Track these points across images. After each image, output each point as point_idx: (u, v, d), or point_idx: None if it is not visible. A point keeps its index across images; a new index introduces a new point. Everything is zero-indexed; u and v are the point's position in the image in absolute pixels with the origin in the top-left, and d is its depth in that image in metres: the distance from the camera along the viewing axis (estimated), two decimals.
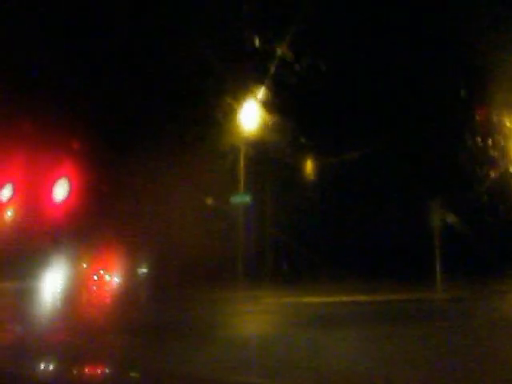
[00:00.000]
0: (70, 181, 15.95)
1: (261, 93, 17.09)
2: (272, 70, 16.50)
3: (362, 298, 14.43)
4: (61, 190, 16.01)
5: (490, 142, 16.81)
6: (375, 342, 7.75)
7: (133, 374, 3.16)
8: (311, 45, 16.53)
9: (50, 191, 15.97)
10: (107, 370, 3.39)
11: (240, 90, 17.41)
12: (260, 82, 17.05)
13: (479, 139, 16.79)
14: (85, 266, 18.03)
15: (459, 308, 12.46)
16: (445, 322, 9.96)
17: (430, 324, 9.67)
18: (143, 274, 18.83)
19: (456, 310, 11.97)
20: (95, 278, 17.64)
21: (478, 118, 17.04)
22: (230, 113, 17.50)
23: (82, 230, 16.58)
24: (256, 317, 12.75)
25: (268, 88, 16.93)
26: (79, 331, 8.81)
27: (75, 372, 3.08)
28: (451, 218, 16.48)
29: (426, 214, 16.41)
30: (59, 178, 16.02)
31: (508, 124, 16.74)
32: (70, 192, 15.88)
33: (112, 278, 17.68)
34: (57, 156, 15.86)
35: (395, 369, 5.91)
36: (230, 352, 7.18)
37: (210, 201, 17.90)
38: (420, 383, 5.31)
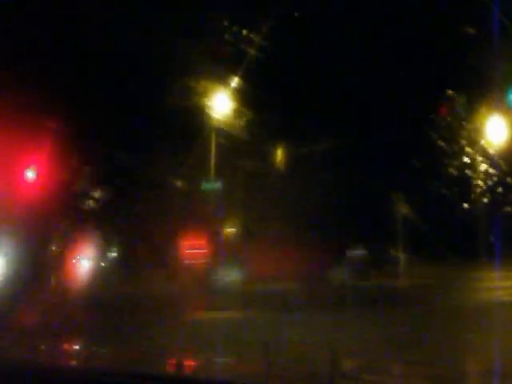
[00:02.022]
0: (41, 165, 15.95)
1: (233, 80, 17.35)
2: (245, 57, 16.73)
3: (327, 283, 14.92)
4: (32, 174, 16.00)
5: (450, 138, 17.49)
6: (332, 325, 8.18)
7: (103, 350, 3.31)
8: (285, 34, 16.76)
9: (21, 174, 15.95)
10: (77, 346, 3.50)
11: (212, 77, 17.58)
12: (232, 69, 17.26)
13: (441, 135, 17.45)
14: (54, 248, 18.04)
15: (418, 294, 13.10)
16: (402, 307, 10.60)
17: (387, 308, 10.28)
18: (113, 258, 19.01)
19: (415, 296, 12.59)
20: (73, 261, 17.70)
21: (439, 114, 17.66)
22: (201, 99, 17.68)
23: (53, 213, 16.63)
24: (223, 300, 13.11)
25: (240, 75, 17.16)
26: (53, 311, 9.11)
27: (44, 348, 3.15)
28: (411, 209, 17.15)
29: (391, 204, 17.07)
30: (31, 162, 16.00)
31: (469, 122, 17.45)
32: (42, 176, 15.89)
33: (85, 261, 17.78)
34: (29, 140, 15.80)
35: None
36: (193, 332, 7.51)
37: (180, 186, 18.09)
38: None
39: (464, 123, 17.55)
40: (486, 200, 17.60)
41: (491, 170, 17.56)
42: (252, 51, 16.66)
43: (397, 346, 6.55)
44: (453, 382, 2.43)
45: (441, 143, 17.39)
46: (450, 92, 17.37)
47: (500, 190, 17.48)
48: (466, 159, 17.66)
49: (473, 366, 2.72)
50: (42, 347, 3.34)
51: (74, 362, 3.05)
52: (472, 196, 17.72)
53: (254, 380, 2.33)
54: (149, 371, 2.53)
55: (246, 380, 2.39)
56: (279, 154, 19.01)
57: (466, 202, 17.66)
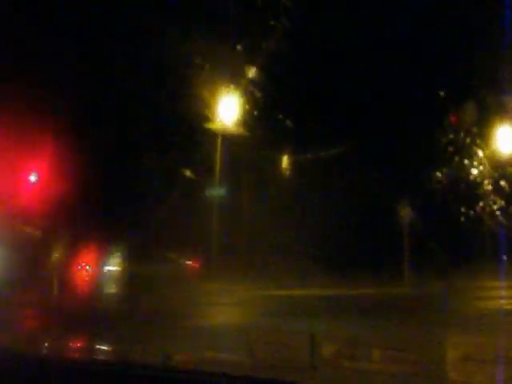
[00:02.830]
0: (42, 172, 16.05)
1: (239, 86, 17.50)
2: (252, 64, 16.88)
3: (333, 292, 14.91)
4: (35, 179, 16.11)
5: (459, 144, 17.50)
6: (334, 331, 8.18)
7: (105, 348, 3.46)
8: (290, 42, 16.86)
9: (24, 179, 16.05)
10: (80, 345, 3.65)
11: (218, 83, 17.73)
12: (239, 75, 17.40)
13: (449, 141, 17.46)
14: (57, 255, 18.10)
15: (421, 302, 13.07)
16: (406, 314, 10.60)
17: (389, 316, 10.30)
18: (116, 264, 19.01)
19: (418, 305, 12.56)
20: (79, 267, 17.76)
21: (449, 121, 17.65)
22: (207, 105, 17.81)
23: (56, 219, 16.70)
24: (227, 308, 13.15)
25: (247, 81, 17.30)
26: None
27: (47, 345, 3.28)
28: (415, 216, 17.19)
29: (397, 211, 17.10)
30: (34, 166, 16.11)
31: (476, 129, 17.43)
32: (44, 182, 15.99)
33: (90, 268, 17.84)
34: (32, 145, 15.91)
35: None
36: (201, 339, 7.52)
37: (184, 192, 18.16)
38: None
39: (472, 129, 17.53)
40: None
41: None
42: (258, 58, 16.80)
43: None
44: (429, 366, 2.60)
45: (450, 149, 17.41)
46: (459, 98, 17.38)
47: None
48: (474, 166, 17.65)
49: (450, 353, 2.77)
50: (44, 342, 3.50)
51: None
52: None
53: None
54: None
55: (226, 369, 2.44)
56: (285, 161, 19.15)
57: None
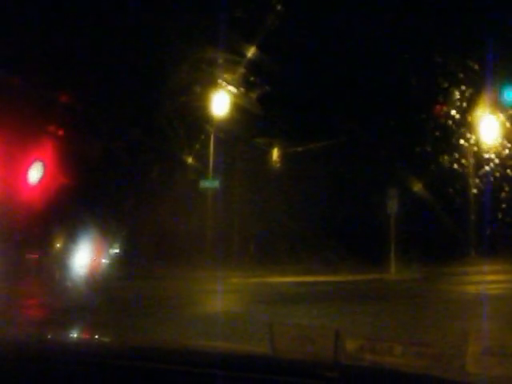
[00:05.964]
0: (45, 163, 16.23)
1: (231, 79, 17.73)
2: (243, 57, 17.08)
3: (322, 278, 15.36)
4: (35, 173, 16.26)
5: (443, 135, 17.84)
6: (329, 317, 8.57)
7: (104, 339, 3.21)
8: (282, 35, 17.07)
9: (24, 173, 16.22)
10: (79, 336, 3.44)
11: (210, 76, 17.97)
12: (231, 68, 17.63)
13: (436, 133, 17.81)
14: (58, 245, 18.32)
15: (408, 288, 13.56)
16: (394, 299, 11.07)
17: (379, 301, 10.74)
18: (115, 254, 19.33)
19: (405, 290, 13.05)
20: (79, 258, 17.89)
21: (435, 112, 17.99)
22: (200, 98, 18.06)
23: (57, 211, 16.96)
24: (222, 295, 13.57)
25: (238, 74, 17.53)
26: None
27: (48, 338, 3.04)
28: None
29: (385, 201, 17.52)
30: (34, 160, 16.28)
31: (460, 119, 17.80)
32: (45, 174, 16.17)
33: (88, 258, 18.05)
34: (32, 138, 16.07)
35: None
36: (195, 325, 7.89)
37: (179, 184, 18.49)
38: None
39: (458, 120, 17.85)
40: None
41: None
42: (248, 52, 16.98)
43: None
44: (450, 359, 2.46)
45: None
46: (446, 87, 17.62)
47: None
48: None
49: (470, 345, 2.60)
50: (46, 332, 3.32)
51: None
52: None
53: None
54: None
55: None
56: (275, 153, 19.48)
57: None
